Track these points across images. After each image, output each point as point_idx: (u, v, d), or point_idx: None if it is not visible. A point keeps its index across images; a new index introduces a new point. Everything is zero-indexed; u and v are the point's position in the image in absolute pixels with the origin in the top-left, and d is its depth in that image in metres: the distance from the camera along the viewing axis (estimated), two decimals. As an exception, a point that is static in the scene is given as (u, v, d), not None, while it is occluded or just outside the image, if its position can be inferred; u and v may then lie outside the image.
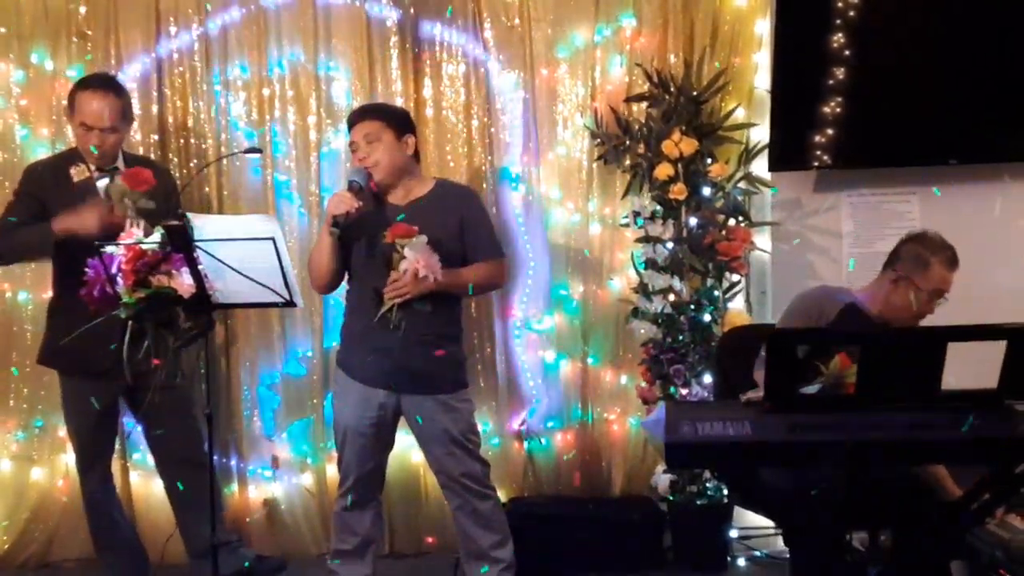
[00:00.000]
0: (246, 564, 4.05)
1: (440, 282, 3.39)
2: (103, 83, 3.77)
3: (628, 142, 4.39)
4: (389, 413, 3.58)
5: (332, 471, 4.48)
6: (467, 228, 3.56)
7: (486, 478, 3.67)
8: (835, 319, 3.36)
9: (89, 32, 4.37)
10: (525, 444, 4.55)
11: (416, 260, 3.32)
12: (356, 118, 3.61)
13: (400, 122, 3.61)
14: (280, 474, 4.49)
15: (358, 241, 3.52)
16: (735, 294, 4.42)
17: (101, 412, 3.79)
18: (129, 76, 4.35)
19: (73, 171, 3.72)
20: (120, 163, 3.78)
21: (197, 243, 3.02)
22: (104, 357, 3.41)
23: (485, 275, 3.62)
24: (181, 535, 3.94)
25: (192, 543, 3.92)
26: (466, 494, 3.61)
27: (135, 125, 4.33)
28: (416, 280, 3.34)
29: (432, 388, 3.55)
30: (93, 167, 3.72)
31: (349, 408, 3.59)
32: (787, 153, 4.32)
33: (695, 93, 4.32)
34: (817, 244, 4.52)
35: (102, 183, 3.61)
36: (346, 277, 3.65)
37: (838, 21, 4.19)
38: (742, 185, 4.40)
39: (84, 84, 3.77)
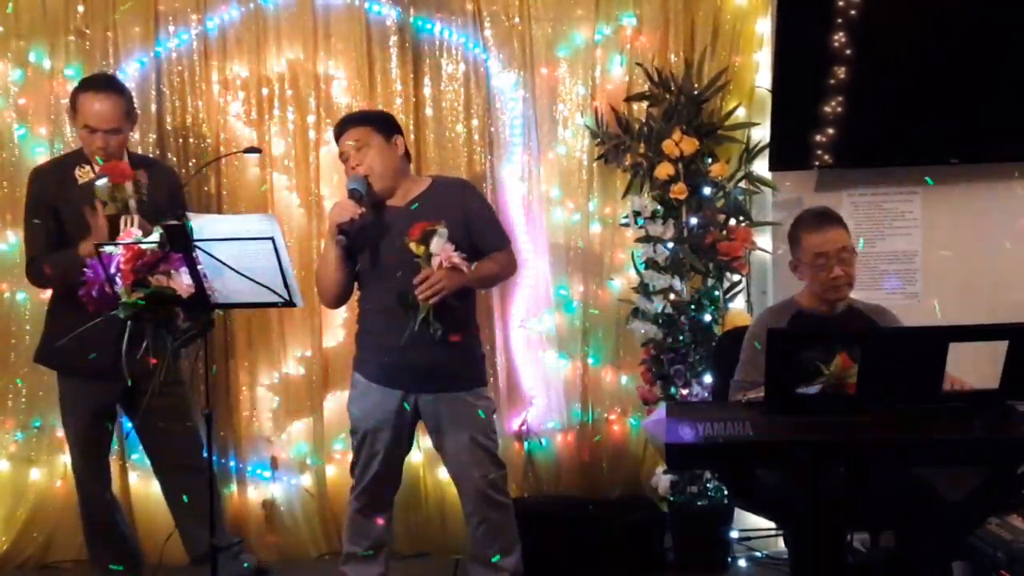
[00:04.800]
0: (245, 565, 4.03)
1: (471, 272, 3.36)
2: (105, 84, 3.74)
3: (628, 141, 4.38)
4: (408, 415, 3.55)
5: (332, 472, 4.47)
6: (472, 220, 3.51)
7: (503, 483, 3.64)
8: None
9: (87, 31, 4.35)
10: (525, 444, 4.54)
11: (445, 251, 3.27)
12: (341, 129, 3.58)
13: (386, 125, 3.58)
14: (279, 475, 4.47)
15: (363, 252, 3.50)
16: (736, 294, 4.41)
17: (98, 413, 3.79)
18: (128, 75, 4.33)
19: (78, 172, 3.71)
20: (125, 163, 3.73)
21: (196, 243, 3.01)
22: (102, 357, 3.40)
23: (503, 264, 3.60)
24: (181, 539, 3.94)
25: (192, 547, 3.91)
26: (481, 502, 3.57)
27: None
28: (449, 273, 3.29)
29: (451, 386, 3.51)
30: (98, 168, 3.66)
31: (366, 411, 3.55)
32: (788, 152, 4.31)
33: (696, 92, 4.31)
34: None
35: (100, 183, 3.55)
36: (355, 287, 3.62)
37: (839, 20, 4.18)
38: (743, 185, 4.38)
39: (85, 85, 3.73)
